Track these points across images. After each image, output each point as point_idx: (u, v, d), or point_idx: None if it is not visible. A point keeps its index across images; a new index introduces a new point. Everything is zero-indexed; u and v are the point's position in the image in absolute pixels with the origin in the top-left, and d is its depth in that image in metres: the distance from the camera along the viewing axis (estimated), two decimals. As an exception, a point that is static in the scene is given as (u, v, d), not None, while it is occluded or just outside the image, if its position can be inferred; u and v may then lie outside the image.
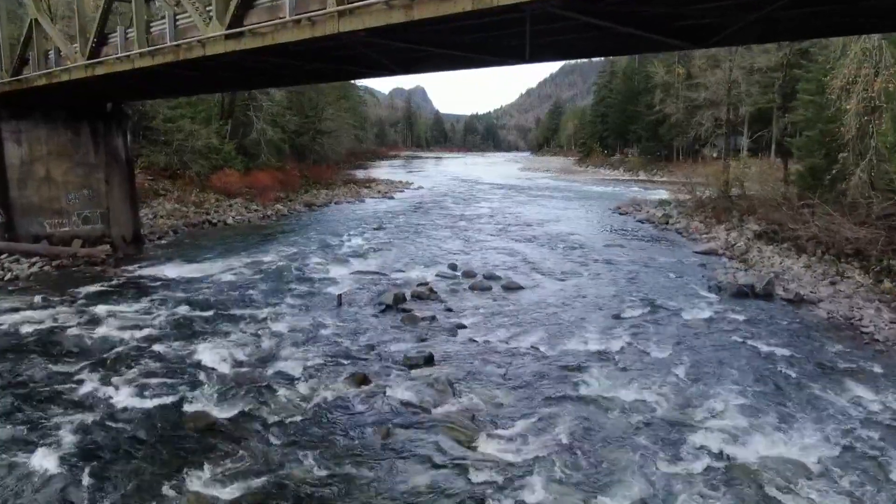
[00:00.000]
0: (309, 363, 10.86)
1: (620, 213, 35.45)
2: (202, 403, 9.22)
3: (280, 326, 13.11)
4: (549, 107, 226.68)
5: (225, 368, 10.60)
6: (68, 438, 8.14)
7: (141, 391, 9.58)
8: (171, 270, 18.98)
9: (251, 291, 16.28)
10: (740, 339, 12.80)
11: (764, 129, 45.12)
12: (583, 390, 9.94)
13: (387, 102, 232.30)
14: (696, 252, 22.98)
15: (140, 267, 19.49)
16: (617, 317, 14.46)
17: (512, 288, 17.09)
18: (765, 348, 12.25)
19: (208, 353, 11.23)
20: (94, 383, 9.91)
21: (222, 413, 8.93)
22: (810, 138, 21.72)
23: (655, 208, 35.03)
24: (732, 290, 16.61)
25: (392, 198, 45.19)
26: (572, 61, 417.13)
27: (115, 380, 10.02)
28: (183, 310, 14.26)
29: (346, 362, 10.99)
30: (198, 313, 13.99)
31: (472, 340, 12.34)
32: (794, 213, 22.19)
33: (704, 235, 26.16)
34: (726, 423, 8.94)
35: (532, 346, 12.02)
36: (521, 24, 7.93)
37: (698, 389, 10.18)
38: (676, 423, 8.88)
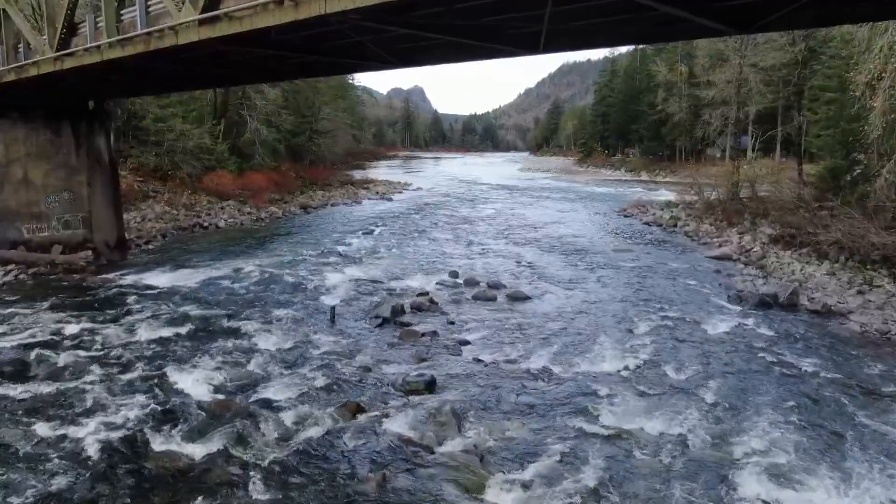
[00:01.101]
0: (297, 389, 9.73)
1: (625, 216, 34.36)
2: (173, 440, 8.09)
3: (267, 344, 11.98)
4: (547, 107, 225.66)
5: (202, 395, 9.47)
6: (9, 487, 7.01)
7: (103, 425, 8.43)
8: (155, 278, 17.85)
9: (238, 302, 15.16)
10: (770, 358, 11.70)
11: (772, 128, 44.02)
12: (604, 422, 8.83)
13: (385, 102, 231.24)
14: (709, 257, 21.89)
15: (122, 275, 18.34)
16: (632, 331, 13.35)
17: (517, 298, 15.98)
18: (798, 368, 11.15)
19: (185, 378, 10.09)
20: (49, 415, 8.77)
21: (196, 451, 7.81)
22: (831, 138, 20.62)
23: (662, 210, 33.93)
24: (754, 299, 15.51)
25: (390, 199, 44.07)
26: (571, 61, 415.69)
27: (73, 410, 8.89)
28: (162, 324, 13.12)
29: (338, 387, 9.86)
30: (178, 329, 12.85)
31: (477, 360, 11.23)
32: (813, 217, 21.10)
33: (716, 239, 25.07)
34: (770, 461, 7.84)
35: (543, 368, 10.90)
36: (542, 2, 6.78)
37: (732, 420, 9.07)
38: (713, 464, 7.78)
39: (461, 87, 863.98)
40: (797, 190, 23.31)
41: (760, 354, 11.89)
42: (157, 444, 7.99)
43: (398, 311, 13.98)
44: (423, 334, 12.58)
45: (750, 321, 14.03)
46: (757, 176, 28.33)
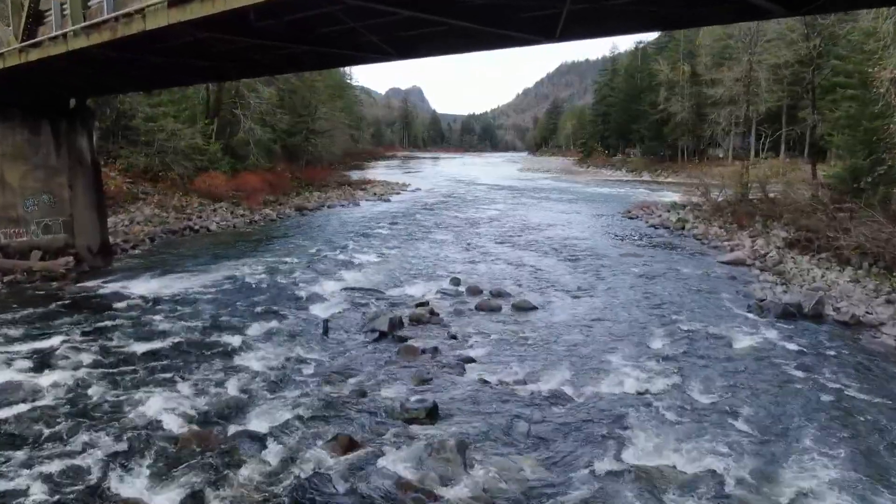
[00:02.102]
0: (283, 417, 8.70)
1: (630, 217, 33.38)
2: (137, 481, 7.06)
3: (253, 362, 10.94)
4: (546, 107, 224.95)
5: (176, 426, 8.42)
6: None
7: (55, 464, 7.38)
8: (138, 286, 16.79)
9: (225, 313, 14.10)
10: (803, 377, 10.69)
11: (777, 128, 43.05)
12: (629, 458, 7.80)
13: (383, 102, 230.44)
14: (722, 262, 20.88)
15: (104, 282, 17.29)
16: (649, 345, 12.34)
17: (523, 308, 14.95)
18: (835, 389, 10.14)
19: (158, 404, 9.04)
20: None
21: (160, 498, 6.77)
22: (853, 137, 19.62)
23: (668, 212, 32.94)
24: (776, 309, 14.49)
25: (388, 200, 43.04)
26: (569, 61, 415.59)
27: (19, 446, 7.84)
28: (140, 340, 12.07)
29: (329, 415, 8.83)
30: (157, 344, 11.81)
31: (483, 381, 10.19)
32: (831, 220, 20.11)
33: (727, 243, 24.06)
34: (824, 506, 6.83)
35: (556, 390, 9.87)
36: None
37: (772, 453, 8.05)
38: (760, 510, 6.76)
39: (459, 87, 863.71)
40: (812, 191, 22.28)
41: (792, 373, 10.88)
42: (118, 486, 6.96)
43: (396, 323, 12.94)
44: (423, 350, 11.55)
45: (775, 334, 13.02)
46: (768, 176, 27.29)
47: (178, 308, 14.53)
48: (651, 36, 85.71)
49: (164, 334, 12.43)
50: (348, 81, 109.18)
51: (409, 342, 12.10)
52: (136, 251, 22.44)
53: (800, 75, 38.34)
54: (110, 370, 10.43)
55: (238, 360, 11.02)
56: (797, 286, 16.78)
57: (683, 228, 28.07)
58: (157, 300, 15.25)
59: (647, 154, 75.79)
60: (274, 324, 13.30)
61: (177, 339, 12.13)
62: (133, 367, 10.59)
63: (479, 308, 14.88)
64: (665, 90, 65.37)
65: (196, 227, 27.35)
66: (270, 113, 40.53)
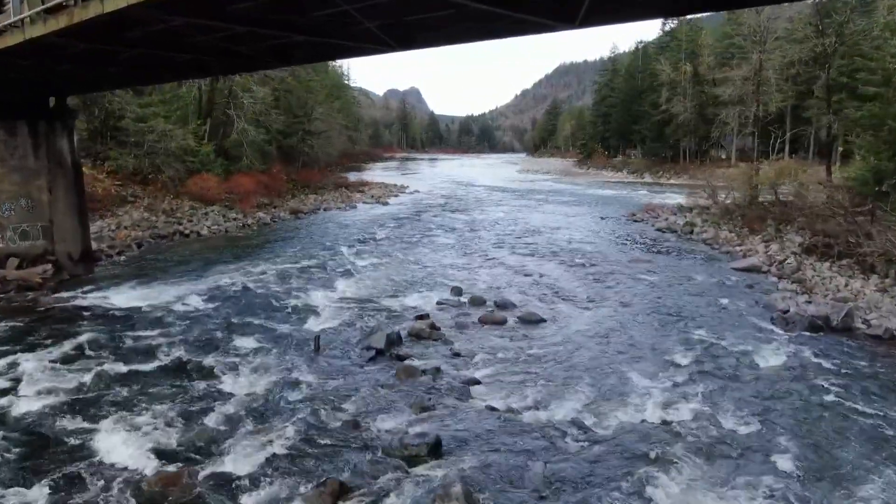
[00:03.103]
0: (265, 455, 7.68)
1: (635, 221, 32.39)
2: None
3: (236, 387, 9.91)
4: (544, 108, 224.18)
5: (143, 465, 7.40)
6: None
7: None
8: (119, 297, 15.79)
9: (208, 329, 13.06)
10: (841, 401, 9.69)
11: (781, 128, 42.04)
12: (660, 502, 6.79)
13: (381, 103, 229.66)
14: (736, 269, 19.88)
15: (83, 293, 16.26)
16: (670, 364, 11.34)
17: (530, 321, 13.94)
18: (879, 414, 9.14)
19: (126, 439, 8.03)
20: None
21: (117, 562, 5.75)
22: (876, 137, 18.63)
23: (675, 215, 31.96)
24: (802, 323, 13.49)
25: (386, 203, 42.01)
26: (567, 62, 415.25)
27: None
28: (114, 359, 11.04)
29: (317, 453, 7.80)
30: (132, 365, 10.78)
31: (491, 409, 9.16)
32: (851, 224, 19.11)
33: (739, 248, 23.08)
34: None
35: (573, 420, 8.85)
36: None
37: (821, 495, 7.04)
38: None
39: (457, 88, 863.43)
40: (830, 194, 21.28)
41: (829, 397, 9.88)
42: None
43: (394, 340, 11.92)
44: (423, 371, 10.53)
45: (804, 351, 12.02)
46: (779, 178, 26.29)
47: (159, 322, 13.49)
48: (652, 35, 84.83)
49: (140, 353, 11.39)
50: (346, 82, 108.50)
51: (409, 361, 11.10)
52: (122, 258, 21.40)
53: (808, 74, 37.44)
54: (75, 396, 9.39)
55: (219, 385, 9.99)
56: (820, 296, 15.78)
57: (692, 232, 27.08)
58: (137, 313, 14.21)
59: (648, 155, 74.84)
60: (261, 340, 12.26)
61: (154, 360, 11.10)
62: (101, 393, 9.55)
63: (482, 321, 13.86)
64: (667, 90, 64.41)
65: (186, 232, 26.31)
66: (265, 113, 39.43)
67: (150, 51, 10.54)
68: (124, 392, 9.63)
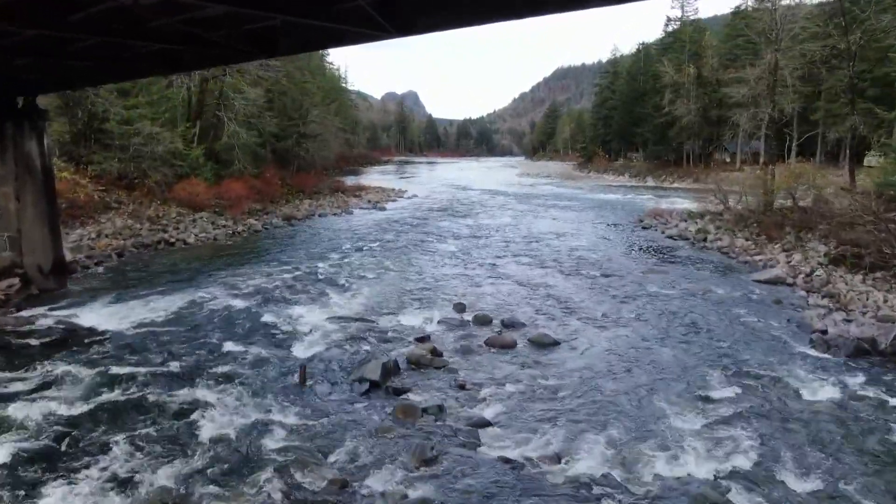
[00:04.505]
0: (231, 530, 6.25)
1: (644, 227, 31.04)
2: None
3: (203, 433, 8.47)
4: (542, 111, 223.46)
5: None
6: None
7: None
8: (90, 315, 14.37)
9: (181, 355, 11.61)
10: (913, 445, 8.29)
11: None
12: None
13: (379, 106, 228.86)
14: (758, 281, 18.50)
15: (51, 310, 14.83)
16: (705, 398, 9.94)
17: (542, 344, 12.54)
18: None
19: (64, 500, 6.58)
20: None
21: None
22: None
23: (685, 221, 30.57)
24: (847, 346, 12.09)
25: (383, 208, 40.60)
26: (566, 65, 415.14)
27: None
28: (71, 393, 9.61)
29: (296, 525, 6.38)
30: (90, 402, 9.34)
31: (504, 461, 7.74)
32: (882, 232, 17.76)
33: (758, 257, 21.71)
34: None
35: (603, 474, 7.44)
36: None
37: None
38: None
39: (455, 92, 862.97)
40: (854, 199, 19.93)
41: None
42: None
43: (391, 369, 10.50)
44: (424, 410, 9.12)
45: (855, 380, 10.64)
46: (798, 183, 24.93)
47: (128, 347, 12.04)
48: (654, 36, 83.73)
49: (102, 386, 9.95)
50: (343, 85, 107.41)
51: (407, 396, 9.70)
52: (100, 269, 19.96)
53: (817, 74, 36.16)
54: (20, 441, 7.94)
55: (186, 429, 8.55)
56: (859, 313, 14.41)
57: (705, 240, 25.72)
58: (104, 336, 12.75)
59: (650, 158, 73.62)
60: (240, 370, 10.83)
61: (116, 395, 9.66)
62: (51, 436, 8.11)
63: (489, 344, 12.45)
64: (670, 92, 63.13)
65: (171, 240, 24.86)
66: (257, 115, 38.01)
67: (107, 39, 9.14)
68: (76, 435, 8.19)
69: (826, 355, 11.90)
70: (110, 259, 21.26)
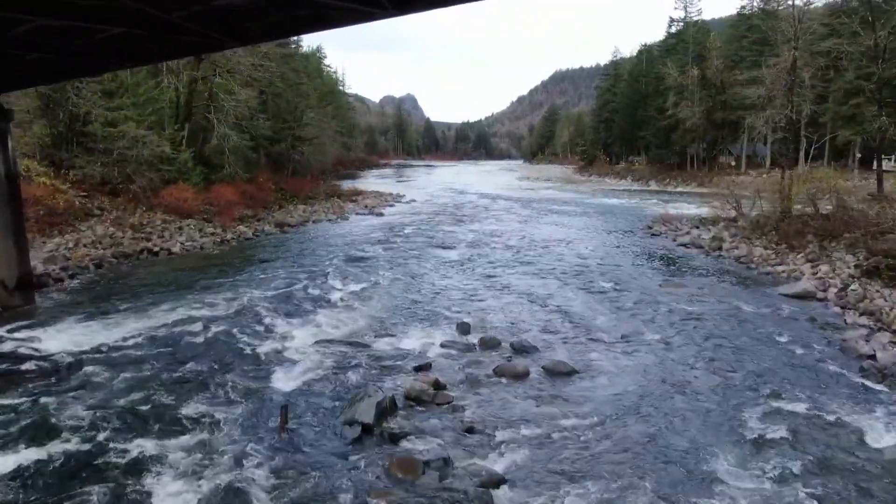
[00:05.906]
0: None
1: (654, 234, 29.64)
2: None
3: (165, 488, 7.03)
4: (540, 114, 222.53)
5: None
6: None
7: None
8: (56, 337, 12.97)
9: (150, 388, 10.14)
10: None
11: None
12: None
13: (377, 109, 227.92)
14: (786, 295, 17.09)
15: (11, 331, 13.39)
16: (752, 440, 8.52)
17: (559, 373, 11.10)
18: None
19: None
20: None
21: None
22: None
23: (697, 228, 29.20)
24: (904, 376, 10.68)
25: (381, 214, 39.19)
26: (564, 68, 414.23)
27: None
28: (23, 435, 8.20)
29: None
30: (42, 447, 7.90)
31: (526, 538, 6.30)
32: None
33: (780, 268, 20.31)
34: None
35: (650, 558, 5.99)
36: None
37: None
38: None
39: (453, 95, 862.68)
40: (892, 207, 18.53)
41: None
42: None
43: (386, 409, 9.04)
44: (426, 464, 7.65)
45: (921, 419, 9.20)
46: (819, 188, 23.55)
47: (90, 378, 10.57)
48: (656, 38, 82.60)
49: (57, 429, 8.48)
50: (341, 88, 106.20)
51: (406, 443, 8.25)
52: (74, 282, 18.51)
53: (824, 76, 34.83)
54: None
55: (143, 489, 7.08)
56: (907, 335, 12.98)
57: (720, 248, 24.32)
58: (66, 364, 11.27)
59: (653, 162, 72.29)
60: (214, 409, 9.37)
61: (71, 440, 8.21)
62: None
63: (499, 374, 11.01)
64: (674, 94, 61.84)
65: (155, 249, 23.40)
66: (249, 117, 36.57)
67: (56, 19, 7.72)
68: (14, 495, 6.74)
69: (881, 387, 10.48)
70: (87, 271, 19.82)
